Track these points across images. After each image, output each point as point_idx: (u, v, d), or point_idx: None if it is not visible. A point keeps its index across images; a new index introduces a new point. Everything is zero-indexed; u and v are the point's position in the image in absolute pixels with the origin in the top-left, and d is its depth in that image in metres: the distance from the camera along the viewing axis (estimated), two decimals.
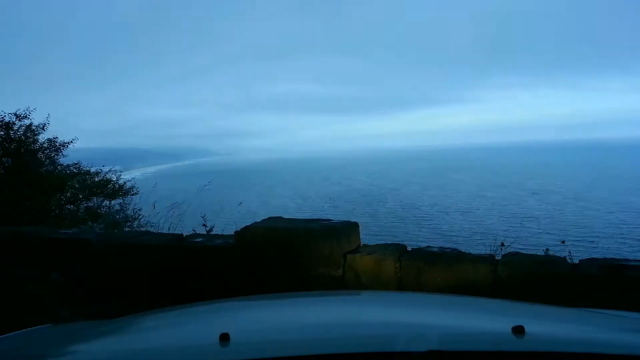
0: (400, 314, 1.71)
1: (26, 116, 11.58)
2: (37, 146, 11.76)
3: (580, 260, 3.30)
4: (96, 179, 12.65)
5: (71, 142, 12.48)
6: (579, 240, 27.78)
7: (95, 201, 12.46)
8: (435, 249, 3.64)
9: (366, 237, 4.14)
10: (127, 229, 10.70)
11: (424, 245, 3.88)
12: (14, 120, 11.38)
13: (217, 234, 4.70)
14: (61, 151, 12.19)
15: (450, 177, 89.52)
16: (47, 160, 12.09)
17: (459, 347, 1.21)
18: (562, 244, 5.42)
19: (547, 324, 1.58)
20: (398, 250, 3.65)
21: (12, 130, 11.34)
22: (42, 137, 11.92)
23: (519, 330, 1.21)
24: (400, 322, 1.56)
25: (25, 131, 11.55)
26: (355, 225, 3.95)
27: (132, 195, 12.81)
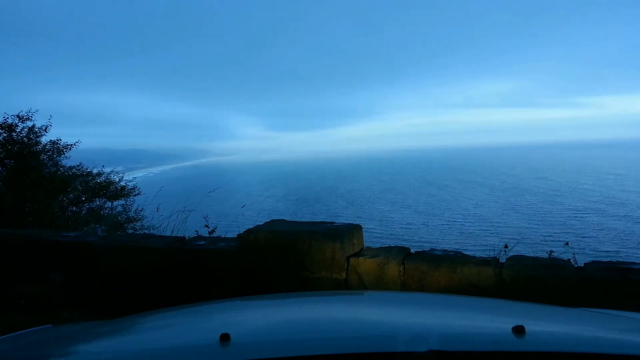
0: (401, 314, 1.70)
1: (29, 118, 11.59)
2: (39, 148, 11.75)
3: (585, 264, 3.28)
4: (98, 180, 12.64)
5: (74, 144, 12.48)
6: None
7: (98, 202, 12.47)
8: (439, 252, 3.63)
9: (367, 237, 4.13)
10: (130, 231, 10.71)
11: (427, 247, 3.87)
12: (16, 122, 11.40)
13: (220, 237, 4.70)
14: (64, 153, 12.19)
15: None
16: (50, 162, 12.08)
17: (459, 347, 1.20)
18: (566, 245, 5.40)
19: (547, 324, 1.58)
20: (402, 253, 3.64)
21: (15, 132, 11.35)
22: (45, 139, 11.93)
23: (519, 330, 1.21)
24: (401, 322, 1.55)
25: (28, 133, 11.55)
26: (358, 228, 3.94)
27: (135, 196, 12.81)
